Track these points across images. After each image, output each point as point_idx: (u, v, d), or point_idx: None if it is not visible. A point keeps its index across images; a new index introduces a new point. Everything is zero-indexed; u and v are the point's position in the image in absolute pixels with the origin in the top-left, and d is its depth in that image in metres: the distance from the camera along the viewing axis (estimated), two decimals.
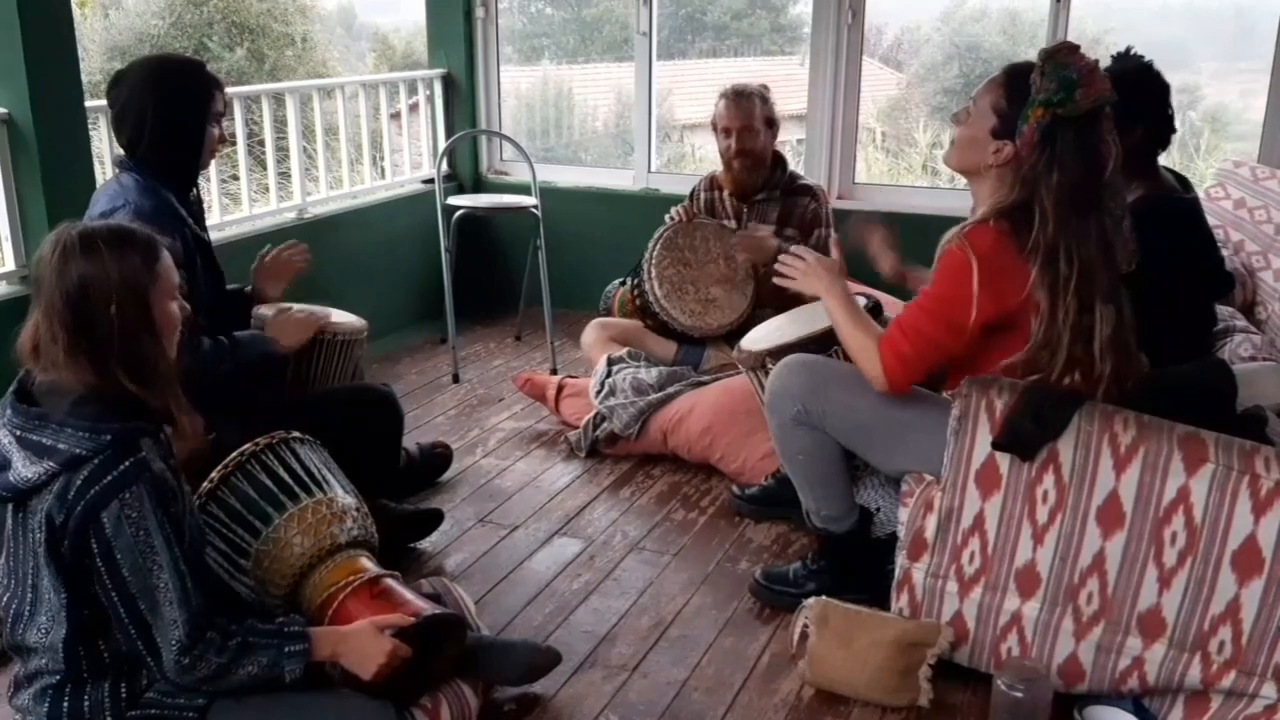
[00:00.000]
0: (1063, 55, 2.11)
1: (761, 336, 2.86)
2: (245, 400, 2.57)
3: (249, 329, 2.69)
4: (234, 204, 4.40)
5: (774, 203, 3.66)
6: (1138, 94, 2.55)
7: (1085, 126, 2.10)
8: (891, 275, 2.80)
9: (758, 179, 3.65)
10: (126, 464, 1.67)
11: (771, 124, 3.61)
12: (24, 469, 1.68)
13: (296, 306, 2.77)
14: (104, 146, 3.51)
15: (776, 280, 2.56)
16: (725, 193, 3.75)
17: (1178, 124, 2.71)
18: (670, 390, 3.45)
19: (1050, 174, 2.10)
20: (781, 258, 2.56)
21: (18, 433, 1.71)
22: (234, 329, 2.63)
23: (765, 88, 3.66)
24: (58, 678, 1.76)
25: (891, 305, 3.25)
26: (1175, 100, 2.71)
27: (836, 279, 2.45)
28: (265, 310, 2.76)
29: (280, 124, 4.38)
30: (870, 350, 2.29)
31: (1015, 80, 2.18)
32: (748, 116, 3.55)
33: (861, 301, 2.67)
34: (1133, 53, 2.66)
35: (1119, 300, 2.15)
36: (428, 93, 5.10)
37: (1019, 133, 2.15)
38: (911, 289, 2.83)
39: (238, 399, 2.53)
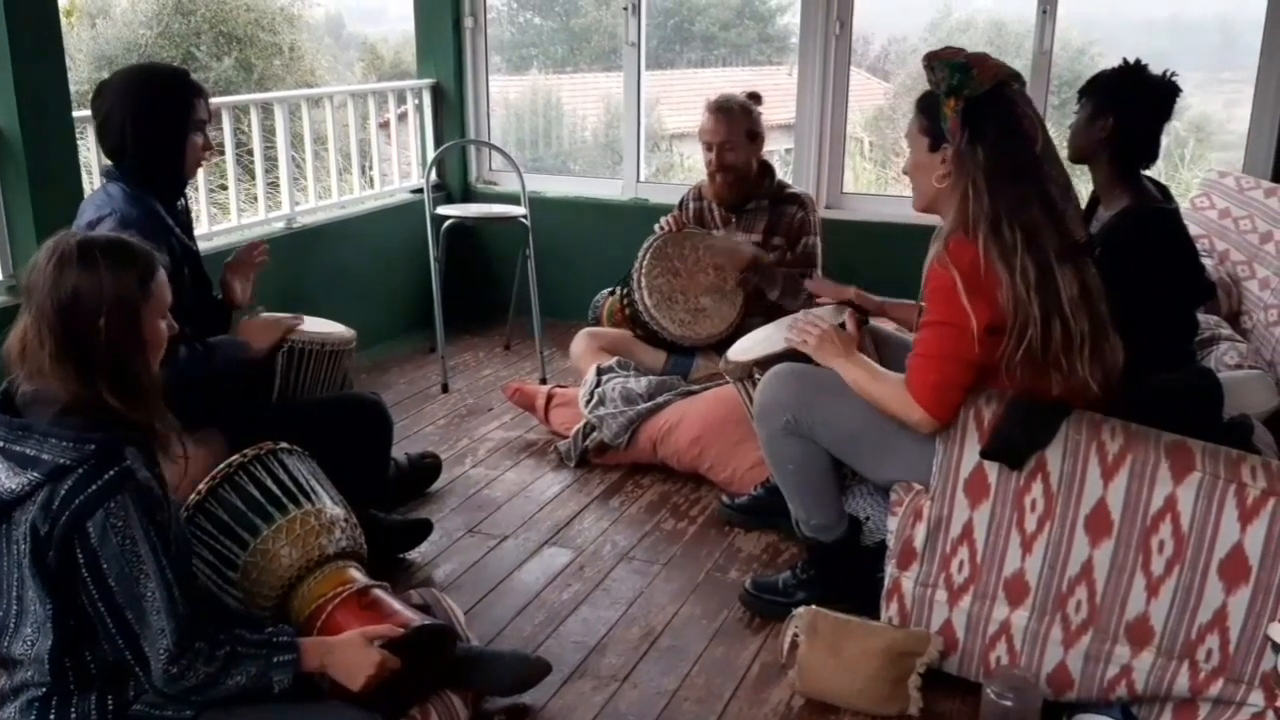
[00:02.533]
0: (945, 52, 2.21)
1: (749, 346, 2.86)
2: (227, 409, 2.56)
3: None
4: (222, 214, 4.39)
5: (762, 212, 3.67)
6: (1110, 88, 2.65)
7: (997, 102, 2.17)
8: (875, 312, 2.84)
9: (738, 194, 3.65)
10: (111, 473, 1.67)
11: (754, 138, 3.58)
12: (7, 480, 1.67)
13: (275, 315, 2.75)
14: (92, 156, 3.50)
15: (789, 339, 2.56)
16: (714, 202, 3.75)
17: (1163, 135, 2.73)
18: (660, 400, 3.45)
19: (975, 151, 2.16)
20: (795, 320, 2.58)
21: (0, 444, 1.70)
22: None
23: (754, 97, 3.63)
24: (44, 690, 1.75)
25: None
26: None
27: (852, 352, 2.41)
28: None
29: (268, 133, 4.37)
30: (901, 395, 2.24)
31: (923, 100, 2.30)
32: (727, 132, 3.53)
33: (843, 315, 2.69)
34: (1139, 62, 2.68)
35: (1080, 265, 2.17)
36: (416, 102, 5.10)
37: (947, 133, 2.21)
38: (892, 318, 2.85)
39: (218, 407, 2.52)
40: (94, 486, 1.66)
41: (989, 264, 2.12)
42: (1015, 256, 2.11)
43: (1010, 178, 2.14)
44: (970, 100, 2.15)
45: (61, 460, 1.66)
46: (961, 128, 2.17)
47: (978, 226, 2.14)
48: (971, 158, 2.16)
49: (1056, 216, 2.17)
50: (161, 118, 2.53)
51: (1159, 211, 2.64)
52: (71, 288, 1.70)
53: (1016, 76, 2.20)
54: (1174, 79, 2.63)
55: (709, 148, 3.59)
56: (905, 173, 2.39)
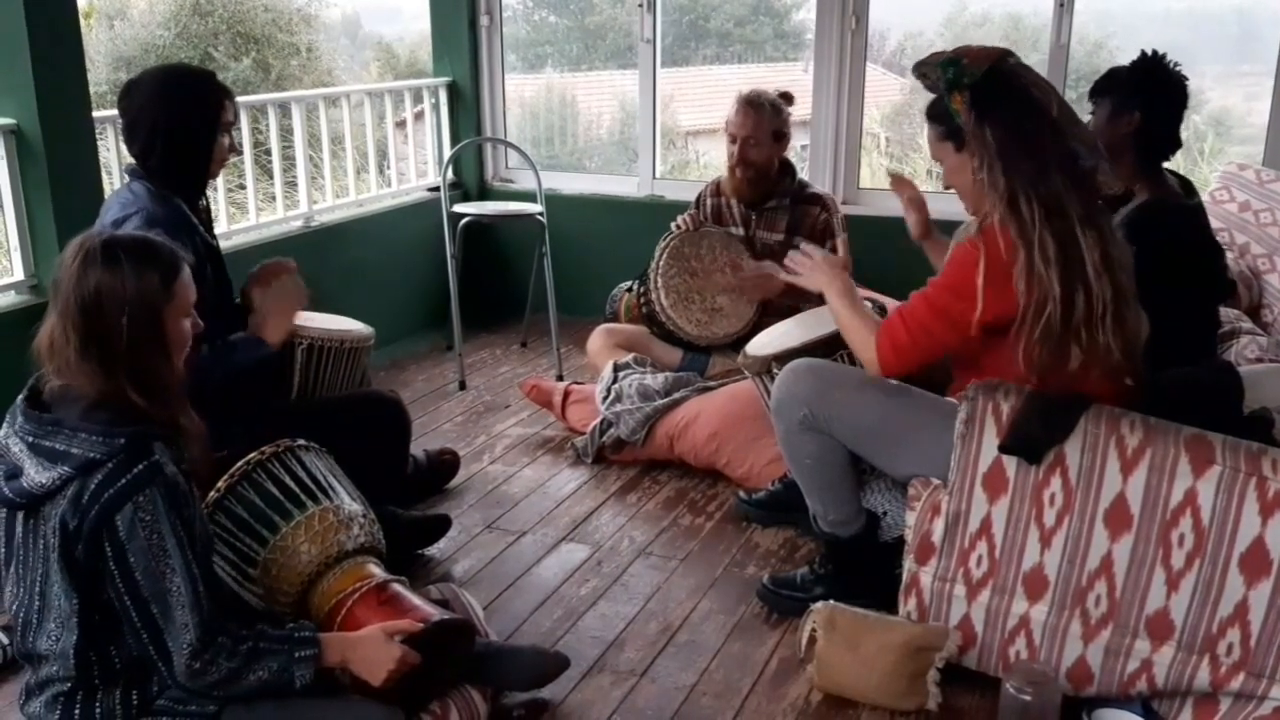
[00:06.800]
0: (931, 57, 2.24)
1: (767, 342, 2.86)
2: (248, 407, 2.57)
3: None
4: (240, 213, 4.41)
5: (783, 211, 3.66)
6: (1133, 81, 2.63)
7: (999, 82, 2.17)
8: (918, 234, 2.78)
9: (757, 191, 3.64)
10: (140, 467, 1.69)
11: (780, 138, 3.57)
12: (37, 475, 1.69)
13: (284, 290, 2.74)
14: (111, 156, 3.52)
15: (784, 277, 2.59)
16: (733, 199, 3.74)
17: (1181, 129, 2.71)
18: (676, 396, 3.45)
19: (984, 132, 2.17)
20: (790, 254, 2.60)
21: (30, 439, 1.72)
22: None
23: (786, 97, 3.62)
24: (69, 685, 1.77)
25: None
26: None
27: (840, 274, 2.48)
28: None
29: (286, 133, 4.40)
30: (867, 338, 2.34)
31: (931, 108, 2.35)
32: (753, 128, 3.53)
33: (868, 305, 2.67)
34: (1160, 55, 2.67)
35: (1103, 230, 2.17)
36: (433, 101, 5.11)
37: (964, 128, 2.21)
38: (930, 257, 2.80)
39: (240, 405, 2.54)
40: (123, 480, 1.68)
41: (1008, 242, 2.12)
42: (1033, 231, 2.11)
43: (1024, 151, 2.14)
44: (974, 87, 2.17)
45: (91, 454, 1.68)
46: (970, 114, 2.17)
47: (995, 205, 2.15)
48: (982, 140, 2.17)
49: (1083, 177, 2.17)
50: (193, 119, 2.55)
51: (1172, 209, 2.63)
52: (94, 286, 1.72)
53: (1008, 53, 2.21)
54: (1178, 68, 2.63)
55: (733, 140, 3.58)
56: (947, 188, 2.40)
